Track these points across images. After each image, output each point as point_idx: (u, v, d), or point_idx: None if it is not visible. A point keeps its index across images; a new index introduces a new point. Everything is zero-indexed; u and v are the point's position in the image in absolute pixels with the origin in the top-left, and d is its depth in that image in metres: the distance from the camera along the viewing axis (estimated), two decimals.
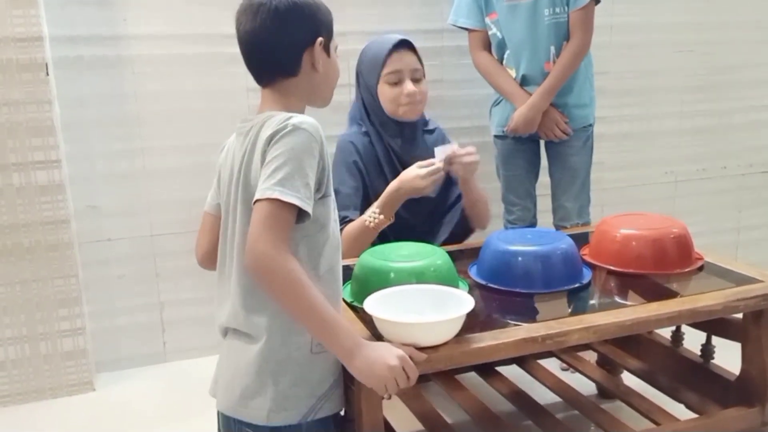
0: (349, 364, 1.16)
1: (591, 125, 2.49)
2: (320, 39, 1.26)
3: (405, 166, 1.94)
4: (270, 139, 1.16)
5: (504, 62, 2.42)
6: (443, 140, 2.13)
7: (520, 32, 2.33)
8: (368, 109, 2.03)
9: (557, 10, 2.29)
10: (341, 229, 1.86)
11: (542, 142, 2.55)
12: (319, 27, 1.27)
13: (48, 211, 2.30)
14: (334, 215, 1.27)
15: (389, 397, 1.89)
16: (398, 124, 2.03)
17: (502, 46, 2.40)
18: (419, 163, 1.86)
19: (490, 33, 2.41)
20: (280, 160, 1.13)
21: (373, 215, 1.86)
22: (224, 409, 1.27)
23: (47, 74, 2.23)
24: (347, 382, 1.30)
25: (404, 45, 2.00)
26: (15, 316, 2.33)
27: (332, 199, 1.27)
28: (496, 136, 2.57)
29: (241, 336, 1.24)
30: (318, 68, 1.27)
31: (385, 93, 1.99)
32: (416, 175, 1.83)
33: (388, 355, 1.16)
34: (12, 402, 2.37)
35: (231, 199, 1.26)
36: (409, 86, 1.97)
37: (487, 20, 2.38)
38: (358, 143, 2.03)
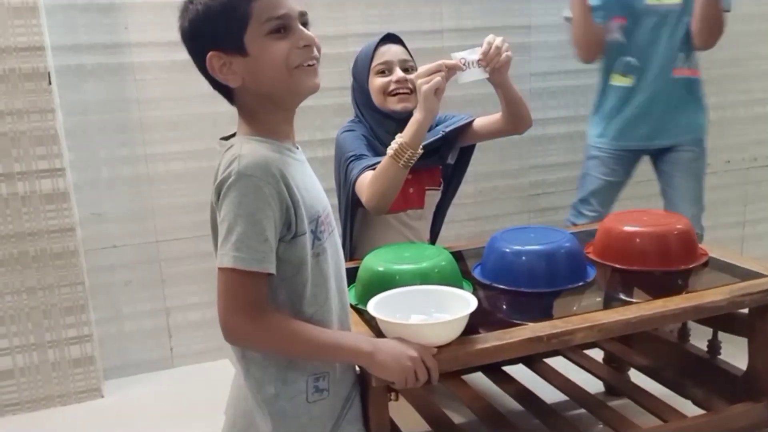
0: (371, 364, 1.16)
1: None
2: (211, 53, 1.09)
3: None
4: (218, 191, 1.07)
5: (614, 68, 2.42)
6: (443, 118, 2.09)
7: (652, 38, 2.33)
8: (362, 111, 2.02)
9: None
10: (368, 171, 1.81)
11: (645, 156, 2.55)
12: (202, 42, 1.11)
13: (53, 219, 2.30)
14: (314, 250, 1.15)
15: (396, 398, 1.90)
16: (392, 120, 1.96)
17: (621, 52, 2.38)
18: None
19: (608, 37, 2.39)
20: (231, 219, 1.05)
21: (395, 143, 1.75)
22: None
23: (50, 83, 2.23)
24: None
25: (391, 38, 1.99)
26: (22, 324, 2.34)
27: (307, 236, 1.12)
28: (595, 146, 2.53)
29: (241, 378, 1.20)
30: (232, 80, 1.10)
31: (375, 84, 1.96)
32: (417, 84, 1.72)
33: (407, 347, 1.18)
34: (21, 410, 2.38)
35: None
36: (397, 73, 1.93)
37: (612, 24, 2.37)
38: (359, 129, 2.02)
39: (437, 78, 1.67)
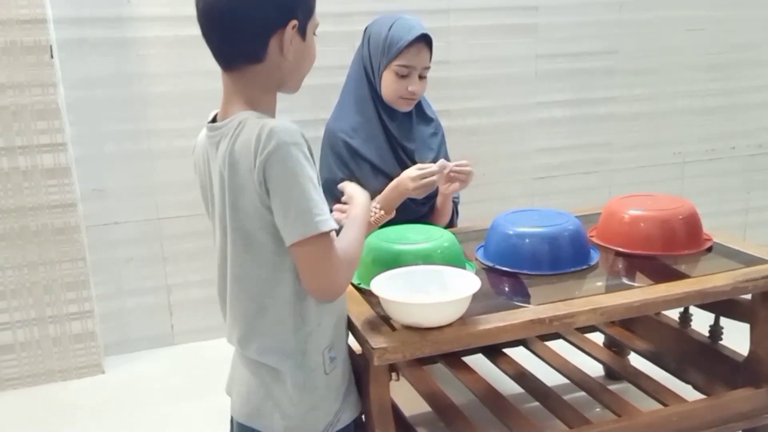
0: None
1: None
2: (294, 22, 1.10)
3: (399, 144, 1.94)
4: (263, 166, 1.05)
5: None
6: (441, 139, 2.07)
7: None
8: (369, 82, 1.96)
9: None
10: None
11: None
12: (294, 6, 1.10)
13: (54, 194, 2.30)
14: None
15: (398, 378, 1.90)
16: (391, 108, 1.96)
17: None
18: (419, 165, 1.82)
19: None
20: (296, 190, 1.04)
21: (374, 210, 1.81)
22: (238, 417, 1.23)
23: (52, 56, 2.22)
24: (357, 370, 1.31)
25: (423, 39, 1.88)
26: (23, 299, 2.34)
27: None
28: None
29: (253, 360, 1.20)
30: (287, 55, 1.12)
31: (388, 82, 1.91)
32: (408, 176, 1.78)
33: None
34: (22, 384, 2.39)
35: (220, 223, 1.17)
36: (415, 84, 1.89)
37: None
38: (348, 130, 1.94)
39: (431, 183, 1.78)
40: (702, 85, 3.15)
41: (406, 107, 1.95)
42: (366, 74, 1.96)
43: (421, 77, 1.92)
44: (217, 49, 1.13)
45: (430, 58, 1.93)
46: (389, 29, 1.90)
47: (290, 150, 1.04)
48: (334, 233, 1.09)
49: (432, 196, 1.98)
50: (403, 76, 1.89)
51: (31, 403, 2.30)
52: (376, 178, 1.89)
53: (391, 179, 1.85)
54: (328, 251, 1.08)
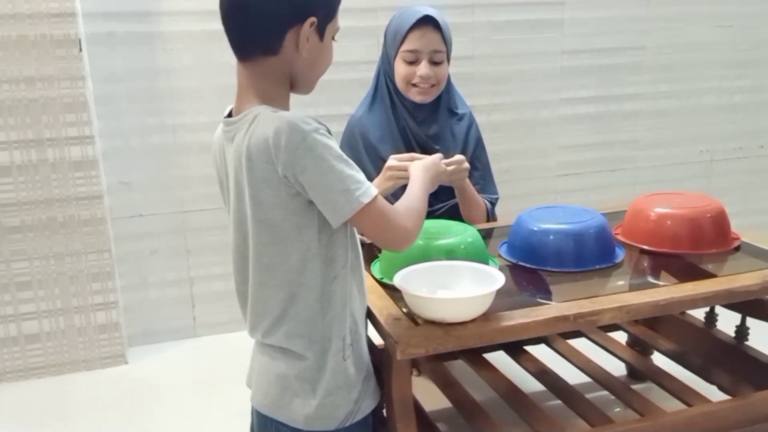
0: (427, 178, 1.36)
1: None
2: (312, 19, 1.10)
3: (420, 143, 1.91)
4: (291, 160, 1.05)
5: None
6: (475, 131, 2.02)
7: None
8: (387, 77, 1.95)
9: None
10: None
11: None
12: (313, 3, 1.11)
13: (81, 186, 2.33)
14: None
15: (419, 373, 1.89)
16: (412, 103, 1.93)
17: None
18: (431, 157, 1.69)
19: None
20: (331, 173, 1.06)
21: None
22: (259, 407, 1.24)
23: (80, 50, 2.24)
24: (378, 365, 1.31)
25: (429, 22, 1.84)
26: (49, 289, 2.37)
27: None
28: None
29: (276, 348, 1.21)
30: (302, 52, 1.12)
31: (399, 70, 1.88)
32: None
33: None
34: (47, 374, 2.42)
35: (235, 217, 1.19)
36: (423, 68, 1.84)
37: None
38: (367, 125, 1.94)
39: (457, 172, 1.72)
40: (730, 82, 3.11)
41: (419, 97, 1.90)
42: (385, 70, 1.94)
43: (435, 63, 1.86)
44: (234, 38, 1.14)
45: (444, 42, 1.87)
46: (397, 18, 1.90)
47: (314, 138, 1.05)
48: (378, 195, 1.12)
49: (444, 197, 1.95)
50: (411, 62, 1.86)
51: (55, 392, 2.33)
52: None
53: None
54: (382, 211, 1.12)
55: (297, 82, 1.17)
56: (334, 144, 1.09)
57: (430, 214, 1.90)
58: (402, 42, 1.86)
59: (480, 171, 2.03)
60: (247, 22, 1.10)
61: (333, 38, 1.18)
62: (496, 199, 2.05)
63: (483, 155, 2.04)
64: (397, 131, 1.94)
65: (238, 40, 1.13)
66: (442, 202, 1.96)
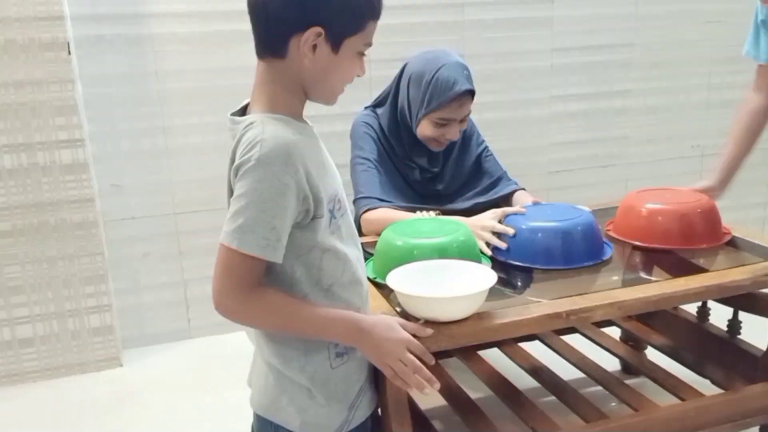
0: (359, 344, 1.16)
1: None
2: (317, 29, 1.07)
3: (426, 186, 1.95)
4: (237, 171, 1.06)
5: None
6: (477, 138, 2.05)
7: None
8: (400, 117, 1.93)
9: None
10: (374, 208, 1.82)
11: None
12: (317, 14, 1.07)
13: (73, 189, 2.32)
14: (330, 228, 1.15)
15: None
16: (420, 145, 1.95)
17: None
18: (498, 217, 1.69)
19: None
20: (242, 202, 1.04)
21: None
22: (257, 408, 1.24)
23: (69, 53, 2.23)
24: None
25: (469, 93, 1.84)
26: (42, 293, 2.37)
27: (325, 218, 1.12)
28: None
29: (274, 354, 1.20)
30: (304, 61, 1.09)
31: (425, 128, 1.87)
32: (485, 218, 1.69)
33: (396, 333, 1.17)
34: (41, 377, 2.42)
35: None
36: (454, 133, 1.88)
37: None
38: (376, 128, 1.96)
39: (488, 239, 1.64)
40: (720, 78, 3.12)
41: (438, 148, 1.93)
42: (402, 110, 1.93)
43: (461, 121, 1.89)
44: (254, 35, 1.14)
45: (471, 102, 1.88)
46: (432, 77, 1.82)
47: (261, 169, 1.04)
48: (255, 261, 1.06)
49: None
50: (442, 125, 1.86)
51: (50, 396, 2.33)
52: (382, 188, 1.89)
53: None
54: (226, 265, 1.07)
55: (309, 91, 1.15)
56: (272, 190, 1.04)
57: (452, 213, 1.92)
58: (437, 109, 1.83)
59: (490, 169, 2.06)
60: (258, 21, 1.12)
61: (363, 54, 1.14)
62: (505, 173, 2.07)
63: (488, 155, 2.07)
64: (400, 178, 1.97)
65: (255, 37, 1.14)
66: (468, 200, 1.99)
